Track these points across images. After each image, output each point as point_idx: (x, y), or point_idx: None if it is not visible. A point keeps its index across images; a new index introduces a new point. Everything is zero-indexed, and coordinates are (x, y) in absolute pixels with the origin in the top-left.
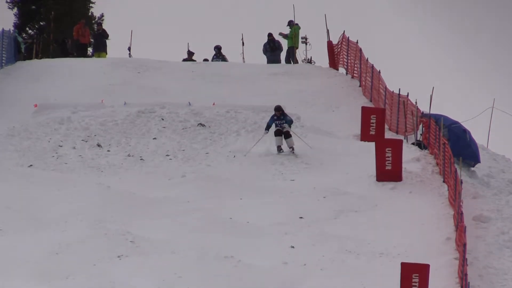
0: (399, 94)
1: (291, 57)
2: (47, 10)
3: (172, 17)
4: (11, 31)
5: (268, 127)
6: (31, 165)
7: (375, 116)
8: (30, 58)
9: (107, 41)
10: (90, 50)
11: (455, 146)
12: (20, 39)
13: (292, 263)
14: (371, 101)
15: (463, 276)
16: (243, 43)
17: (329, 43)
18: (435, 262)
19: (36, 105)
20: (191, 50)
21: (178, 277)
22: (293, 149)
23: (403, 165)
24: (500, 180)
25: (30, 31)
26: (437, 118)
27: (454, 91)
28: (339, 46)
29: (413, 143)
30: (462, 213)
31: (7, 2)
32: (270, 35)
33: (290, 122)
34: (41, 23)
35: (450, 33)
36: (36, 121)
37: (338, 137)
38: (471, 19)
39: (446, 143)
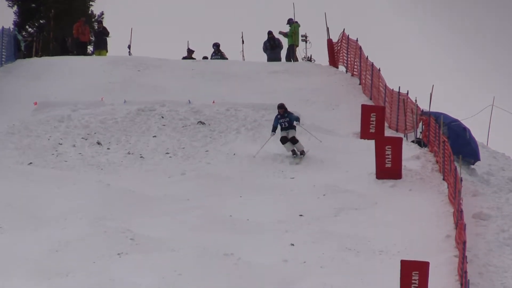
0: (399, 92)
1: (291, 55)
2: (47, 8)
3: (172, 15)
4: (11, 29)
5: (274, 129)
6: (31, 163)
7: (375, 114)
8: (30, 56)
9: (107, 39)
10: (90, 48)
11: (455, 144)
12: (20, 37)
13: (292, 261)
14: (371, 99)
15: (463, 274)
16: (243, 41)
17: (329, 41)
18: (435, 259)
19: (36, 103)
20: (191, 48)
21: (178, 275)
22: (303, 152)
23: (403, 163)
24: (500, 178)
25: (30, 29)
26: (437, 116)
27: (454, 89)
28: (339, 44)
29: (413, 141)
30: (462, 211)
31: (7, 0)
32: (270, 33)
33: (296, 119)
34: (41, 21)
35: (450, 33)
36: (36, 119)
37: (338, 135)
38: (471, 19)
39: (446, 141)
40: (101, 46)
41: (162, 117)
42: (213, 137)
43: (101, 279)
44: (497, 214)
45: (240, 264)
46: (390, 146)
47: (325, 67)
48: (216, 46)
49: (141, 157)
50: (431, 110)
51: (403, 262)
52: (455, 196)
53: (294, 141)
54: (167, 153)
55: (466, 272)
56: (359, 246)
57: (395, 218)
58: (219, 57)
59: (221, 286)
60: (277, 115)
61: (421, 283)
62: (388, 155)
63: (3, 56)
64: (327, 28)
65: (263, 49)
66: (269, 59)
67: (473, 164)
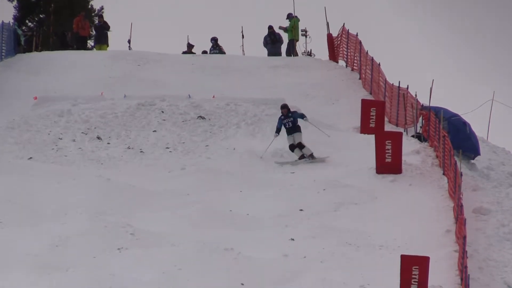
0: (399, 86)
1: (291, 50)
2: (46, 3)
3: (172, 10)
4: (11, 24)
5: (278, 130)
6: (31, 158)
7: (375, 108)
8: (30, 50)
9: (108, 33)
10: (89, 42)
11: (455, 139)
12: (19, 31)
13: (292, 256)
14: (371, 93)
15: (463, 269)
16: (243, 35)
17: (329, 36)
18: (435, 254)
19: (36, 98)
20: (190, 42)
21: (178, 270)
22: (312, 156)
23: (403, 158)
24: (500, 172)
25: (30, 23)
26: (437, 110)
27: (454, 83)
28: (339, 38)
29: (413, 136)
30: (462, 206)
31: None
32: (270, 27)
33: (301, 117)
34: (41, 16)
35: (450, 33)
36: (36, 114)
37: (338, 130)
38: (471, 19)
39: (446, 136)
40: (102, 41)
41: (162, 111)
42: (213, 131)
43: (101, 274)
44: (497, 209)
45: (240, 259)
46: (390, 141)
47: (325, 62)
48: (214, 40)
49: (141, 151)
50: (431, 105)
51: (403, 257)
52: (455, 191)
53: (301, 146)
54: (167, 147)
55: (466, 267)
56: (359, 241)
57: (395, 212)
58: (217, 51)
59: (221, 281)
60: (281, 115)
61: (421, 278)
62: (388, 149)
63: (3, 51)
64: (327, 23)
65: (264, 43)
66: (270, 54)
67: (473, 159)
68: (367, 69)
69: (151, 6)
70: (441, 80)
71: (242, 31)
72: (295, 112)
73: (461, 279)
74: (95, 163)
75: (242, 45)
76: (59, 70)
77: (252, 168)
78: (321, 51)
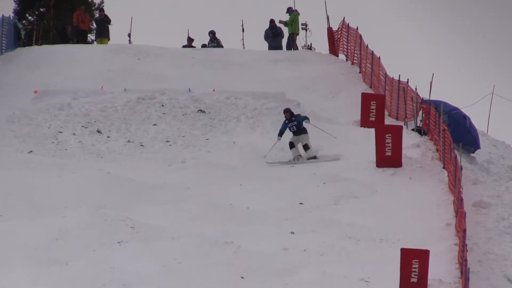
0: (399, 80)
1: (291, 44)
2: None
3: (172, 4)
4: (11, 18)
5: (281, 133)
6: (31, 151)
7: (375, 102)
8: (30, 44)
9: (109, 26)
10: (90, 36)
11: (455, 132)
12: (20, 25)
13: (292, 249)
14: (371, 87)
15: (463, 262)
16: (243, 29)
17: (329, 30)
18: (435, 248)
19: (36, 91)
20: (191, 36)
21: (178, 263)
22: (315, 158)
23: (403, 151)
24: (500, 166)
25: (30, 17)
26: (437, 104)
27: (454, 77)
28: (339, 32)
29: (413, 129)
30: (462, 199)
31: None
32: (272, 21)
33: (304, 119)
34: (41, 10)
35: (450, 29)
36: (36, 107)
37: (338, 123)
38: (472, 15)
39: (446, 129)
40: (103, 34)
41: (162, 105)
42: (213, 125)
43: (101, 267)
44: (497, 202)
45: (240, 252)
46: (390, 135)
47: (325, 56)
48: (212, 33)
49: (141, 145)
50: (431, 98)
51: (403, 251)
52: (455, 185)
53: (306, 147)
54: (167, 141)
55: (466, 260)
56: (359, 235)
57: (395, 206)
58: (215, 44)
59: (221, 274)
60: (285, 120)
61: (421, 271)
62: (388, 143)
63: (3, 45)
64: (327, 17)
65: (265, 37)
66: (271, 47)
67: (473, 153)
68: (367, 63)
69: (151, 0)
70: (441, 74)
71: (242, 25)
72: (298, 115)
73: (461, 272)
74: (95, 156)
75: (242, 39)
76: (59, 64)
77: (252, 162)
78: (321, 45)
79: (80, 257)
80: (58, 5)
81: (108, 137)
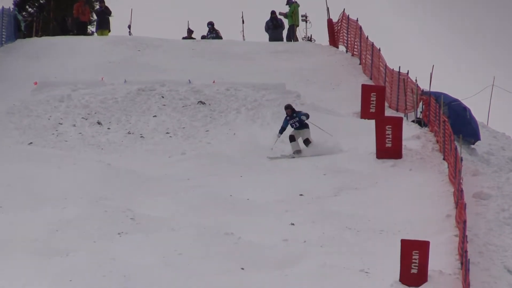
0: (399, 72)
1: (291, 35)
2: None
3: None
4: (11, 9)
5: (282, 130)
6: (31, 143)
7: (375, 94)
8: (30, 36)
9: (109, 18)
10: (90, 28)
11: (455, 124)
12: (20, 17)
13: (292, 240)
14: (371, 79)
15: (463, 253)
16: (243, 21)
17: (329, 21)
18: (435, 239)
19: (36, 83)
20: (190, 28)
21: (178, 254)
22: (310, 141)
23: (403, 143)
24: (500, 157)
25: (30, 9)
26: (437, 95)
27: (454, 69)
28: (339, 24)
29: (413, 121)
30: (462, 190)
31: None
32: (273, 12)
33: (306, 116)
34: (41, 1)
35: (450, 22)
36: (36, 99)
37: (338, 115)
38: (472, 10)
39: (446, 121)
40: (103, 26)
41: (162, 97)
42: (213, 117)
43: (101, 258)
44: (497, 194)
45: (240, 243)
46: (390, 126)
47: (325, 47)
48: (211, 24)
49: (141, 136)
50: (431, 90)
51: (403, 242)
52: (455, 176)
53: (307, 142)
54: (167, 132)
55: (466, 251)
56: (359, 226)
57: (396, 197)
58: (214, 35)
59: (221, 266)
60: (286, 116)
61: (421, 262)
62: (388, 135)
63: (3, 36)
64: (327, 8)
65: (265, 28)
66: (271, 39)
67: (474, 144)
68: (367, 54)
69: None
70: (441, 65)
71: (242, 16)
72: (299, 112)
73: (461, 264)
74: (95, 148)
75: (242, 31)
76: (59, 56)
77: (253, 153)
78: (322, 36)
79: (80, 248)
80: None
81: (108, 128)
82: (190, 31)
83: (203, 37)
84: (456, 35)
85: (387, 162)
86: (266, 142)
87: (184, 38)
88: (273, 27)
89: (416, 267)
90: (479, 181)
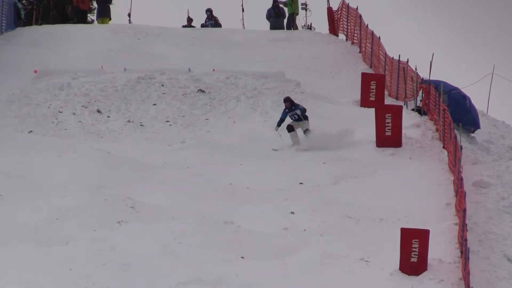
0: (399, 60)
1: (291, 24)
2: None
3: None
4: None
5: (281, 121)
6: (31, 131)
7: (375, 82)
8: (30, 24)
9: (110, 6)
10: (90, 16)
11: (455, 112)
12: (20, 5)
13: (292, 229)
14: (371, 67)
15: (463, 242)
16: (243, 9)
17: (329, 10)
18: (435, 227)
19: (36, 71)
20: (190, 16)
21: (178, 243)
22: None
23: (403, 131)
24: (500, 146)
25: None
26: (437, 84)
27: (454, 57)
28: (339, 12)
29: (413, 109)
30: (462, 179)
31: None
32: (275, 1)
33: (303, 111)
34: None
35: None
36: (36, 87)
37: (338, 103)
38: (471, 7)
39: (446, 109)
40: (104, 14)
41: (162, 85)
42: (213, 105)
43: (101, 247)
44: (497, 182)
45: (240, 232)
46: (390, 114)
47: (325, 35)
48: (209, 11)
49: (141, 125)
50: (431, 78)
51: (403, 230)
52: (455, 164)
53: (307, 132)
54: (167, 121)
55: (466, 239)
56: (359, 214)
57: (395, 186)
58: (213, 22)
59: (221, 254)
60: (285, 108)
61: (421, 250)
62: (388, 123)
63: (3, 24)
64: None
65: (267, 16)
66: (272, 27)
67: (473, 132)
68: (367, 42)
69: None
70: (441, 54)
71: (242, 4)
72: (298, 105)
73: (461, 252)
74: (95, 136)
75: (242, 19)
76: (59, 44)
77: (252, 142)
78: (321, 24)
79: (80, 237)
80: None
81: (108, 117)
82: (190, 20)
83: (202, 26)
84: (456, 23)
85: (386, 151)
86: (266, 131)
87: (184, 26)
88: (275, 15)
89: (416, 256)
90: (479, 170)
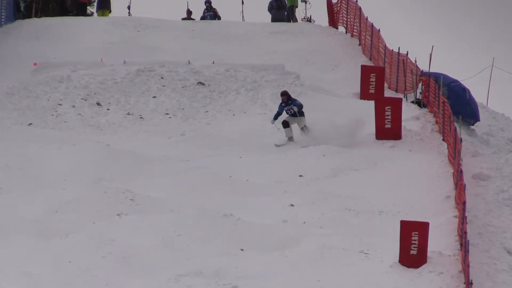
0: (398, 52)
1: (290, 16)
2: None
3: None
4: None
5: (277, 115)
6: (30, 124)
7: (374, 74)
8: (29, 16)
9: None
10: (89, 9)
11: (455, 105)
12: None
13: (292, 221)
14: (370, 59)
15: (462, 234)
16: (242, 1)
17: (329, 2)
18: (435, 220)
19: (35, 64)
20: (190, 9)
21: (178, 235)
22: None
23: (403, 124)
24: (500, 138)
25: None
26: (437, 76)
27: (453, 49)
28: (339, 4)
29: (412, 102)
30: (461, 171)
31: None
32: None
33: (299, 107)
34: None
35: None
36: (35, 80)
37: (338, 96)
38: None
39: (446, 102)
40: (104, 6)
41: (162, 77)
42: (213, 97)
43: (101, 239)
44: (497, 175)
45: (240, 224)
46: (389, 107)
47: (324, 28)
48: (208, 3)
49: (140, 117)
50: (430, 71)
51: (402, 223)
52: (454, 157)
53: (305, 129)
54: (167, 113)
55: (465, 232)
56: (359, 207)
57: (395, 178)
58: (212, 13)
59: (220, 247)
60: (281, 102)
61: (421, 243)
62: (387, 115)
63: (3, 17)
64: None
65: (269, 8)
66: (274, 20)
67: (473, 125)
68: (366, 35)
69: None
70: (440, 46)
71: None
72: (294, 100)
73: (461, 245)
74: (94, 129)
75: (242, 11)
76: (59, 36)
77: (252, 134)
78: (321, 17)
79: (80, 229)
80: None
81: (108, 109)
82: (189, 12)
83: (202, 18)
84: (455, 15)
85: (386, 143)
86: (265, 123)
87: (183, 19)
88: (277, 7)
89: (416, 248)
90: (479, 162)
